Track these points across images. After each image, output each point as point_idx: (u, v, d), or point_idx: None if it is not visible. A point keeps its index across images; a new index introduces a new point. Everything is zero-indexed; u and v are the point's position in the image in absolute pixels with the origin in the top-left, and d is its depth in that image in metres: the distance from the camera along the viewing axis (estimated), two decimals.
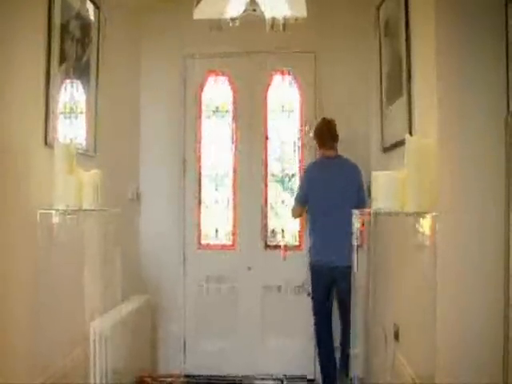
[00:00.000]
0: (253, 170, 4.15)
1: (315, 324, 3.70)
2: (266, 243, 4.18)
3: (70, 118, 2.90)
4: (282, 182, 4.23)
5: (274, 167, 4.19)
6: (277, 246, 4.14)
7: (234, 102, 4.20)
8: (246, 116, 4.15)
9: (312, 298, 3.71)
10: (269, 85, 4.17)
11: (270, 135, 4.17)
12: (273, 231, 4.20)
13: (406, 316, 2.67)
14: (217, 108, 4.24)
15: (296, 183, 4.10)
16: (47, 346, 2.49)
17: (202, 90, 4.23)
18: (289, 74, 4.14)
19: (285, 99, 4.18)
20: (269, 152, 4.17)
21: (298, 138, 4.15)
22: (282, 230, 4.20)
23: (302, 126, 4.10)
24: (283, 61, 4.09)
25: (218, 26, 3.82)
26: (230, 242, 4.22)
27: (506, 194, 2.09)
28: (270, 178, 4.18)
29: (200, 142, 4.20)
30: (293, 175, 4.19)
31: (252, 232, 4.16)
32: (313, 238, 3.66)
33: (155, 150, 4.16)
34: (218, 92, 4.23)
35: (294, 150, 4.17)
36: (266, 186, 4.18)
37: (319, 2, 3.94)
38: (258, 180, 4.15)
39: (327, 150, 3.63)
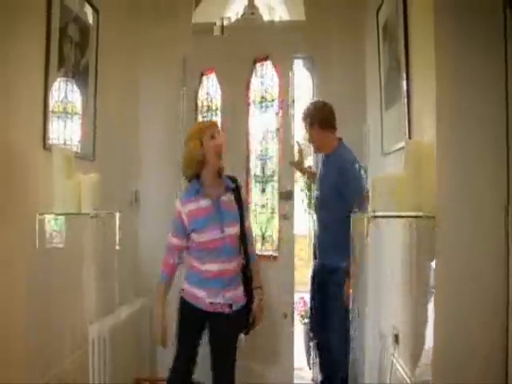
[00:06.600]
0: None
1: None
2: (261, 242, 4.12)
3: (69, 121, 2.90)
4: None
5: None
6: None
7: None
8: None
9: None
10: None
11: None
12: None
13: (404, 319, 2.67)
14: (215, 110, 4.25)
15: None
16: (46, 349, 2.49)
17: (199, 92, 4.23)
18: None
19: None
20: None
21: None
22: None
23: None
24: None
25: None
26: None
27: (506, 196, 2.10)
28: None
29: None
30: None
31: None
32: None
33: (154, 152, 4.14)
34: (215, 95, 4.22)
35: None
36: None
37: (317, 5, 3.97)
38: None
39: None
